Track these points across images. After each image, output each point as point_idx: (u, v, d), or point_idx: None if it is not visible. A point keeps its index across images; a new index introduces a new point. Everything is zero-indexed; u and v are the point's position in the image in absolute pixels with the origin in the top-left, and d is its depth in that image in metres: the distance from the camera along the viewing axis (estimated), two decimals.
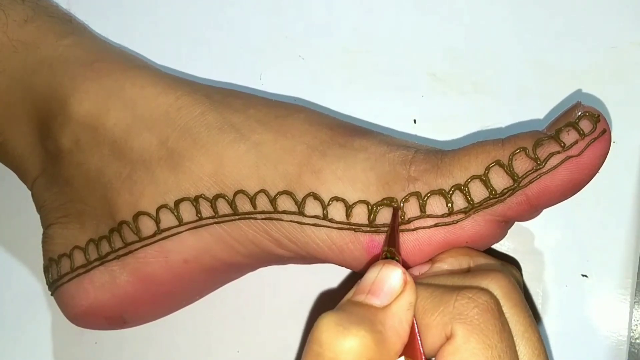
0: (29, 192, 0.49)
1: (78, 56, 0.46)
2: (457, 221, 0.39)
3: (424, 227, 0.39)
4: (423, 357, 0.34)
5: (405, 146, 0.41)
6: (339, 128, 0.43)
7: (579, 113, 0.37)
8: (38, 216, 0.49)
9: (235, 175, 0.42)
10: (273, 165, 0.41)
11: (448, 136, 0.50)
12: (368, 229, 0.40)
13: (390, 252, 0.37)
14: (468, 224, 0.39)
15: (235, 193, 0.42)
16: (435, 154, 0.40)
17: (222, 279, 0.48)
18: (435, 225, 0.39)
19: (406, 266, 0.40)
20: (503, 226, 0.40)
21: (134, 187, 0.43)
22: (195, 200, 0.42)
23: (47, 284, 0.48)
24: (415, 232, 0.39)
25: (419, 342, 0.34)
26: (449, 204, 0.39)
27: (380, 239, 0.40)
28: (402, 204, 0.39)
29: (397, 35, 0.52)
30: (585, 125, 0.37)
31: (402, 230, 0.39)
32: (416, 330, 0.34)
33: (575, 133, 0.37)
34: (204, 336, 0.50)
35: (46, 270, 0.48)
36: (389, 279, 0.34)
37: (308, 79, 0.52)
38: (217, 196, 0.42)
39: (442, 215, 0.39)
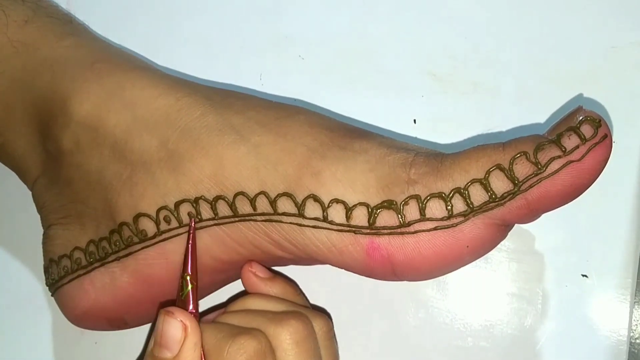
0: (29, 193, 0.49)
1: (78, 57, 0.46)
2: (457, 224, 0.39)
3: (423, 230, 0.39)
4: None
5: (405, 149, 0.41)
6: (339, 130, 0.43)
7: (581, 117, 0.37)
8: (38, 216, 0.49)
9: (235, 177, 0.42)
10: (273, 167, 0.41)
11: (448, 137, 0.50)
12: (368, 231, 0.40)
13: (184, 278, 0.42)
14: (467, 228, 0.39)
15: (235, 195, 0.41)
16: (435, 157, 0.40)
17: (222, 280, 0.48)
18: (435, 228, 0.39)
19: (412, 270, 0.40)
20: (503, 230, 0.40)
21: (134, 189, 0.43)
22: (196, 202, 0.42)
23: (47, 284, 0.48)
24: (415, 235, 0.39)
25: None
26: (449, 207, 0.39)
27: (380, 241, 0.40)
28: (401, 207, 0.39)
29: (397, 35, 0.52)
30: (587, 130, 0.37)
31: (403, 233, 0.39)
32: None
33: (577, 138, 0.37)
34: None
35: (46, 270, 0.48)
36: (170, 330, 0.39)
37: (308, 79, 0.52)
38: (217, 198, 0.42)
39: (442, 219, 0.39)
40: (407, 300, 0.49)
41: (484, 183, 0.38)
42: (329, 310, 0.49)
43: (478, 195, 0.38)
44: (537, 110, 0.49)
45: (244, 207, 0.41)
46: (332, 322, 0.44)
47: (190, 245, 0.42)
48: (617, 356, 0.47)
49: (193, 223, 0.42)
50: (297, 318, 0.41)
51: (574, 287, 0.47)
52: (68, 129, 0.44)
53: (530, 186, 0.37)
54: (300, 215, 0.41)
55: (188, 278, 0.42)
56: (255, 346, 0.39)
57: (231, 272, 0.47)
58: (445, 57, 0.51)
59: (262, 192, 0.41)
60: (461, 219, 0.38)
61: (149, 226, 0.43)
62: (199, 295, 0.49)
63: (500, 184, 0.38)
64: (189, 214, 0.42)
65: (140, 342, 0.51)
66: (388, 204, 0.39)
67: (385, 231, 0.39)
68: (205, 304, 0.50)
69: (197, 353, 0.39)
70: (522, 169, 0.37)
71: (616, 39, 0.49)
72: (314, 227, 0.41)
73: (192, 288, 0.42)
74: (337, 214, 0.40)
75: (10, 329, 0.53)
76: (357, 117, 0.51)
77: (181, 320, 0.39)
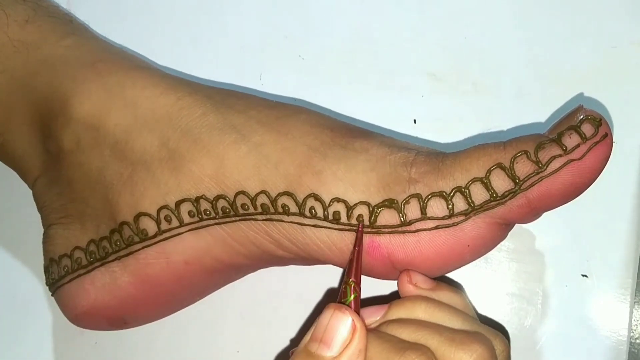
0: (30, 192, 0.49)
1: (79, 57, 0.46)
2: (458, 223, 0.39)
3: (424, 229, 0.39)
4: None
5: (406, 148, 0.41)
6: (339, 129, 0.43)
7: (581, 116, 0.37)
8: (38, 216, 0.48)
9: (236, 176, 0.42)
10: (274, 166, 0.41)
11: (448, 137, 0.50)
12: (369, 230, 0.40)
13: (349, 285, 0.39)
14: (468, 226, 0.39)
15: (236, 194, 0.42)
16: (436, 156, 0.40)
17: (222, 280, 0.48)
18: (436, 227, 0.39)
19: (409, 267, 0.40)
20: (504, 229, 0.40)
21: (134, 188, 0.43)
22: (196, 201, 0.42)
23: (47, 284, 0.48)
24: (416, 234, 0.39)
25: None
26: (450, 206, 0.39)
27: (381, 240, 0.40)
28: (402, 206, 0.39)
29: (397, 35, 0.52)
30: (587, 128, 0.37)
31: (404, 232, 0.39)
32: None
33: (577, 136, 0.37)
34: (204, 336, 0.50)
35: (47, 270, 0.48)
36: (339, 327, 0.36)
37: (308, 79, 0.52)
38: (218, 197, 0.42)
39: (443, 218, 0.39)
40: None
41: (485, 182, 0.38)
42: None
43: (479, 194, 0.38)
44: (538, 109, 0.49)
45: (244, 206, 0.41)
46: (509, 343, 0.41)
47: (357, 250, 0.39)
48: (617, 356, 0.47)
49: (361, 226, 0.40)
50: (481, 342, 0.37)
51: (574, 287, 0.47)
52: (69, 128, 0.44)
53: (531, 185, 0.37)
54: (301, 214, 0.41)
55: (353, 285, 0.39)
56: None
57: (231, 273, 0.47)
58: (445, 57, 0.51)
59: (263, 191, 0.41)
60: (462, 217, 0.39)
61: (149, 226, 0.43)
62: (199, 296, 0.49)
63: (501, 182, 0.38)
64: (357, 217, 0.40)
65: (140, 342, 0.51)
66: (389, 203, 0.39)
67: (386, 230, 0.39)
68: (205, 304, 0.50)
69: None
70: (523, 167, 0.37)
71: (616, 39, 0.50)
72: (314, 226, 0.41)
73: (355, 297, 0.38)
74: (338, 213, 0.40)
75: (10, 329, 0.53)
76: (357, 116, 0.51)
77: (353, 320, 0.36)
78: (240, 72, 0.53)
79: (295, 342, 0.49)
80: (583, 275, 0.47)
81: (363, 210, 0.40)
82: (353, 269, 0.39)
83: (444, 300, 0.40)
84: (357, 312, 0.38)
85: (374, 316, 0.40)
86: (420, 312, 0.39)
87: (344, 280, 0.39)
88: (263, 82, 0.53)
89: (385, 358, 0.36)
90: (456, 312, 0.39)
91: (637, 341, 0.46)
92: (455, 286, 0.43)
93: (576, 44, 0.50)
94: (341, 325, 0.36)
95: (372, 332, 0.37)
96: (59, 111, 0.45)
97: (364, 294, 0.48)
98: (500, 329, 0.47)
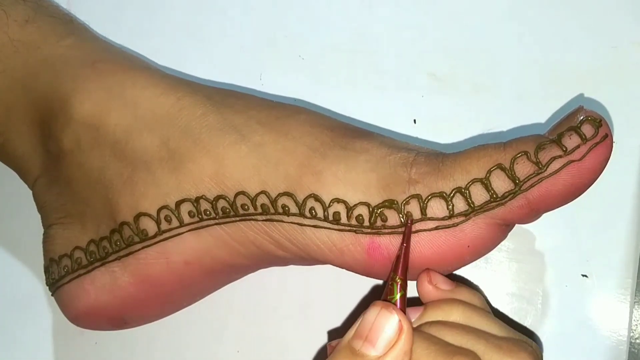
0: (30, 192, 0.49)
1: (79, 56, 0.46)
2: (458, 224, 0.39)
3: (424, 230, 0.39)
4: None
5: (406, 148, 0.41)
6: (340, 129, 0.43)
7: (581, 117, 0.37)
8: (38, 216, 0.48)
9: (236, 177, 0.42)
10: (274, 167, 0.41)
11: (448, 137, 0.50)
12: (369, 230, 0.40)
13: (396, 283, 0.38)
14: (469, 227, 0.39)
15: (236, 194, 0.42)
16: (436, 156, 0.40)
17: (222, 280, 0.48)
18: (436, 228, 0.39)
19: (412, 270, 0.40)
20: (504, 229, 0.40)
21: (135, 188, 0.43)
22: (196, 201, 0.42)
23: (47, 284, 0.48)
24: (416, 234, 0.39)
25: None
26: (450, 207, 0.39)
27: (381, 240, 0.40)
28: (402, 207, 0.39)
29: (397, 35, 0.52)
30: (587, 129, 0.37)
31: (403, 233, 0.39)
32: None
33: (577, 137, 0.37)
34: (204, 336, 0.50)
35: (47, 270, 0.48)
36: (385, 327, 0.35)
37: (308, 79, 0.52)
38: (218, 197, 0.42)
39: (443, 218, 0.39)
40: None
41: (485, 183, 0.38)
42: (328, 311, 0.49)
43: (479, 195, 0.38)
44: (538, 110, 0.49)
45: (244, 206, 0.41)
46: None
47: (404, 247, 0.39)
48: (617, 356, 0.47)
49: (410, 222, 0.39)
50: (528, 352, 0.36)
51: (574, 287, 0.47)
52: (69, 128, 0.44)
53: (531, 186, 0.37)
54: (301, 214, 0.41)
55: (400, 282, 0.38)
56: None
57: (231, 273, 0.47)
58: (445, 57, 0.51)
59: (263, 192, 0.41)
60: (462, 218, 0.39)
61: (149, 226, 0.43)
62: (199, 296, 0.49)
63: (501, 183, 0.38)
64: (406, 213, 0.40)
65: (140, 342, 0.51)
66: (389, 204, 0.39)
67: (386, 231, 0.39)
68: (205, 304, 0.50)
69: None
70: (523, 168, 0.37)
71: (616, 39, 0.50)
72: (314, 226, 0.41)
73: (402, 295, 0.38)
74: (338, 213, 0.40)
75: (10, 329, 0.53)
76: (357, 117, 0.51)
77: (400, 320, 0.35)
78: (240, 72, 0.53)
79: (334, 335, 0.49)
80: (583, 275, 0.47)
81: (363, 211, 0.40)
82: (400, 266, 0.38)
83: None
84: (404, 311, 0.37)
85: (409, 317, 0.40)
86: (458, 315, 0.39)
87: (389, 277, 0.38)
88: (263, 82, 0.53)
89: (433, 358, 0.35)
90: (493, 318, 0.39)
91: (637, 341, 0.46)
92: (473, 287, 0.44)
93: (576, 44, 0.50)
94: (387, 324, 0.35)
95: (417, 333, 0.37)
96: (59, 111, 0.45)
97: (375, 294, 0.49)
98: (530, 336, 0.47)
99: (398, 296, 0.38)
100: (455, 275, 0.48)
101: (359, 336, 0.35)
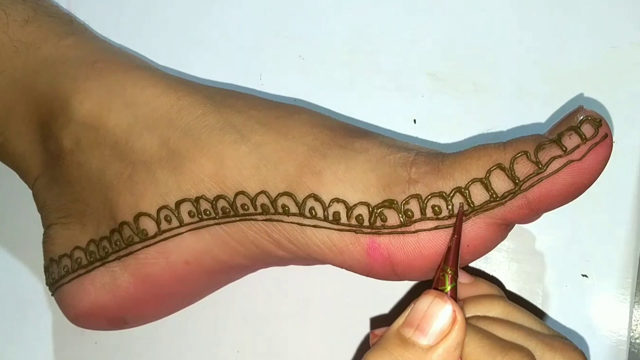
0: (30, 192, 0.49)
1: (79, 56, 0.46)
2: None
3: (424, 230, 0.39)
4: None
5: (406, 148, 0.41)
6: (339, 129, 0.43)
7: (581, 117, 0.37)
8: (38, 216, 0.48)
9: (236, 176, 0.42)
10: (274, 166, 0.41)
11: (448, 137, 0.50)
12: (369, 230, 0.40)
13: (448, 273, 0.37)
14: (468, 227, 0.39)
15: (236, 194, 0.41)
16: (436, 156, 0.40)
17: (222, 280, 0.48)
18: (436, 227, 0.39)
19: (412, 270, 0.40)
20: (504, 229, 0.40)
21: (134, 188, 0.43)
22: (196, 201, 0.42)
23: (47, 284, 0.48)
24: (416, 234, 0.39)
25: None
26: (450, 207, 0.39)
27: (381, 240, 0.40)
28: (402, 206, 0.39)
29: (397, 35, 0.52)
30: (587, 129, 0.37)
31: (404, 233, 0.39)
32: None
33: (577, 137, 0.37)
34: (204, 336, 0.50)
35: (47, 270, 0.48)
36: (439, 316, 0.34)
37: (308, 79, 0.52)
38: (218, 197, 0.42)
39: (443, 218, 0.39)
40: (407, 300, 0.49)
41: (485, 182, 0.38)
42: (328, 311, 0.49)
43: (479, 195, 0.38)
44: (538, 110, 0.49)
45: (244, 206, 0.41)
46: None
47: (455, 238, 0.38)
48: (617, 356, 0.47)
49: (461, 211, 0.38)
50: (577, 351, 0.36)
51: (574, 287, 0.47)
52: (69, 128, 0.44)
53: (531, 185, 0.37)
54: (301, 214, 0.41)
55: (451, 274, 0.37)
56: None
57: (231, 273, 0.47)
58: (445, 57, 0.51)
59: (263, 192, 0.41)
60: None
61: (149, 225, 0.43)
62: (199, 296, 0.49)
63: (501, 183, 0.38)
64: (460, 204, 0.38)
65: (140, 342, 0.51)
66: (389, 203, 0.39)
67: (386, 230, 0.39)
68: (205, 304, 0.50)
69: (456, 354, 0.34)
70: (523, 168, 0.37)
71: (616, 39, 0.50)
72: (314, 226, 0.41)
73: (453, 287, 0.37)
74: (337, 213, 0.40)
75: (10, 329, 0.53)
76: (357, 117, 0.51)
77: (454, 311, 0.34)
78: (240, 72, 0.53)
79: (376, 323, 0.49)
80: (583, 275, 0.47)
81: (363, 211, 0.40)
82: (451, 256, 0.38)
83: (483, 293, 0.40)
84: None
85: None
86: (499, 311, 0.38)
87: (439, 267, 0.38)
88: (263, 82, 0.53)
89: (487, 355, 0.34)
90: (532, 315, 0.38)
91: (637, 341, 0.46)
92: (490, 280, 0.43)
93: (576, 44, 0.50)
94: (441, 314, 0.34)
95: (469, 326, 0.35)
96: (59, 111, 0.45)
97: (372, 295, 0.49)
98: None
99: (450, 287, 0.37)
100: (471, 267, 0.48)
101: (410, 324, 0.34)
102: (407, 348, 0.34)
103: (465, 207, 0.38)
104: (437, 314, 0.34)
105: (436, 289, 0.37)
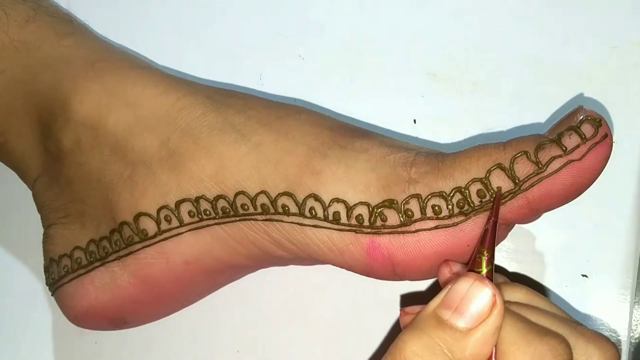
0: (30, 192, 0.49)
1: (79, 56, 0.46)
2: (458, 223, 0.39)
3: (424, 230, 0.39)
4: None
5: (406, 148, 0.41)
6: (339, 129, 0.43)
7: (581, 117, 0.37)
8: (38, 216, 0.48)
9: (236, 176, 0.42)
10: (274, 166, 0.41)
11: (448, 137, 0.50)
12: (369, 230, 0.40)
13: (484, 256, 0.36)
14: (468, 227, 0.39)
15: (236, 194, 0.41)
16: (436, 156, 0.40)
17: (222, 280, 0.48)
18: (436, 227, 0.39)
19: (413, 269, 0.40)
20: (504, 229, 0.40)
21: (134, 188, 0.43)
22: (196, 201, 0.42)
23: (47, 284, 0.48)
24: (416, 234, 0.39)
25: None
26: (450, 206, 0.39)
27: (381, 240, 0.40)
28: (402, 206, 0.39)
29: (397, 35, 0.52)
30: (587, 129, 0.37)
31: (404, 232, 0.39)
32: (493, 358, 0.34)
33: (577, 137, 0.37)
34: (204, 336, 0.50)
35: (47, 270, 0.48)
36: (478, 299, 0.33)
37: (308, 79, 0.52)
38: (218, 197, 0.42)
39: (443, 218, 0.39)
40: (409, 297, 0.49)
41: (485, 182, 0.38)
42: (329, 311, 0.49)
43: (479, 195, 0.38)
44: (537, 110, 0.49)
45: (244, 206, 0.41)
46: None
47: (492, 221, 0.37)
48: None
49: (499, 195, 0.38)
50: (609, 342, 0.35)
51: (574, 287, 0.47)
52: (69, 128, 0.44)
53: (531, 185, 0.37)
54: (301, 214, 0.41)
55: (488, 257, 0.36)
56: (568, 354, 0.33)
57: (231, 273, 0.47)
58: (445, 57, 0.51)
59: (263, 192, 0.41)
60: (462, 218, 0.38)
61: (149, 225, 0.43)
62: (199, 296, 0.49)
63: (501, 183, 0.38)
64: (497, 188, 0.38)
65: (140, 342, 0.51)
66: (389, 203, 0.39)
67: (386, 230, 0.39)
68: (205, 304, 0.50)
69: (494, 339, 0.33)
70: (523, 168, 0.37)
71: (616, 39, 0.50)
72: (314, 226, 0.41)
73: (489, 270, 0.36)
74: (337, 213, 0.40)
75: (10, 329, 0.53)
76: (357, 117, 0.51)
77: (494, 295, 0.33)
78: (240, 72, 0.53)
79: (406, 302, 0.48)
80: (583, 275, 0.47)
81: (363, 211, 0.40)
82: (487, 239, 0.37)
83: None
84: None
85: None
86: (521, 297, 0.38)
87: (476, 249, 0.37)
88: (263, 82, 0.53)
89: (523, 339, 0.33)
90: (554, 304, 0.38)
91: (637, 341, 0.46)
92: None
93: (576, 44, 0.50)
94: (480, 297, 0.33)
95: (506, 310, 0.34)
96: (59, 111, 0.45)
97: (372, 295, 0.49)
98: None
99: (486, 270, 0.36)
100: None
101: (448, 306, 0.33)
102: (445, 330, 0.33)
103: (505, 188, 0.37)
104: (477, 297, 0.33)
105: (472, 270, 0.36)
